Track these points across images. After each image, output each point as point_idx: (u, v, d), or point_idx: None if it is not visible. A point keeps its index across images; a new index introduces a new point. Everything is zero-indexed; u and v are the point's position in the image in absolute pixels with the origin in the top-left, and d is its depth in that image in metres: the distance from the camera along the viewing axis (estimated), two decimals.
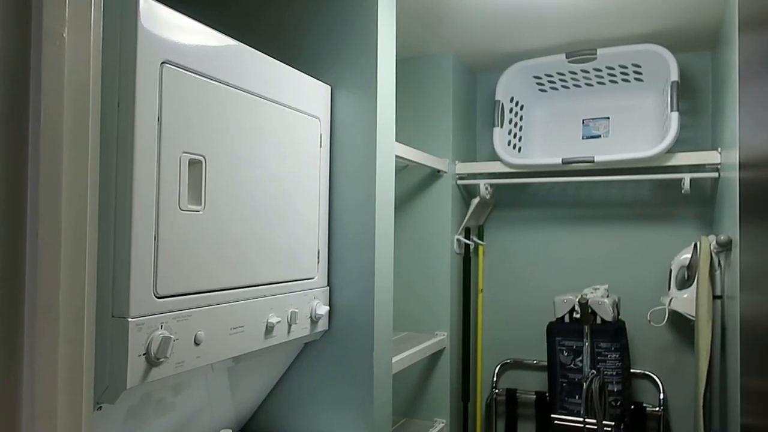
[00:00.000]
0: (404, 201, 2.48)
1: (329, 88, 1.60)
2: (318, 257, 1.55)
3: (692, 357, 2.38)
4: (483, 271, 2.70)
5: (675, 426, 2.40)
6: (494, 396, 2.63)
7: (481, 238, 2.67)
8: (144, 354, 1.00)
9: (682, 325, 2.39)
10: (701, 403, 1.93)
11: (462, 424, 2.52)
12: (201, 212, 1.14)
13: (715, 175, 2.12)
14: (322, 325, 1.56)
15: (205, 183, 1.14)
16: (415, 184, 2.48)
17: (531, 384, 2.62)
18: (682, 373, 2.39)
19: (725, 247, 1.88)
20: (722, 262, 2.02)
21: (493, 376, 2.65)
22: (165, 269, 1.05)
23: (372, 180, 1.59)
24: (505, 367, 2.67)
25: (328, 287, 1.60)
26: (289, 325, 1.42)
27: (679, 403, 2.40)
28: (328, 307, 1.55)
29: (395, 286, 2.49)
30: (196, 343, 1.12)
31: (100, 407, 1.01)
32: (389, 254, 1.67)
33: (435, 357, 2.41)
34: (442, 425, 2.37)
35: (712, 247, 1.98)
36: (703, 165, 2.13)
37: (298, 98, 1.46)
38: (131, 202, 0.99)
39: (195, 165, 1.12)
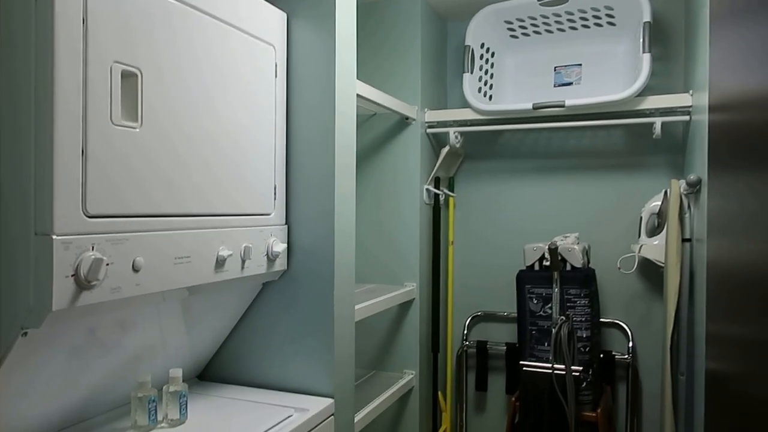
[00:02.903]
0: (372, 150, 2.41)
1: (285, 15, 1.51)
2: (275, 193, 1.48)
3: (662, 305, 2.37)
4: (453, 223, 2.65)
5: (643, 374, 2.40)
6: (465, 348, 2.61)
7: (451, 190, 2.62)
8: (73, 275, 0.93)
9: (651, 274, 2.38)
10: (668, 345, 1.93)
11: (432, 376, 2.50)
12: (138, 130, 1.06)
13: (687, 118, 2.09)
14: (280, 265, 1.50)
15: (142, 98, 1.06)
16: (383, 132, 2.40)
17: (502, 336, 2.60)
18: (651, 322, 2.39)
19: (695, 187, 1.86)
20: (692, 205, 2.00)
21: (464, 329, 2.63)
22: (96, 187, 0.98)
23: (331, 117, 1.51)
24: (476, 319, 2.65)
25: (286, 225, 1.54)
26: (243, 261, 1.35)
27: (648, 351, 2.40)
28: (285, 245, 1.49)
29: (364, 237, 2.43)
30: (135, 270, 1.05)
31: (26, 333, 0.94)
32: (350, 196, 1.60)
33: (404, 308, 2.37)
34: (411, 376, 2.35)
35: (681, 189, 1.96)
36: (675, 108, 2.09)
37: (252, 22, 1.37)
38: (52, 111, 0.91)
39: (130, 78, 1.04)
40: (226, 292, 1.46)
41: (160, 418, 1.30)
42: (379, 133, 2.41)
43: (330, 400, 1.49)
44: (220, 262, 1.27)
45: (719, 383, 1.11)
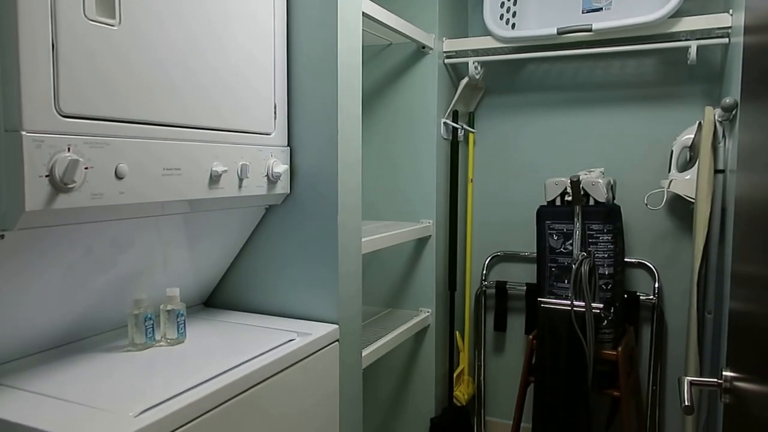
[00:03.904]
0: (388, 83, 2.32)
1: None
2: (275, 112, 1.42)
3: (690, 245, 2.26)
4: (473, 160, 2.56)
5: (668, 315, 2.31)
6: (483, 288, 2.56)
7: (471, 125, 2.52)
8: (47, 176, 0.89)
9: (680, 211, 2.26)
10: (695, 281, 1.83)
11: (449, 315, 2.46)
12: (116, 27, 0.99)
13: (725, 41, 1.93)
14: (282, 187, 1.45)
15: None
16: (398, 64, 2.30)
17: (522, 276, 2.53)
18: (678, 262, 2.28)
19: (730, 112, 1.72)
20: (726, 134, 1.86)
21: (483, 269, 2.56)
22: (69, 85, 0.92)
23: (333, 33, 1.42)
24: (495, 259, 2.58)
25: (288, 147, 1.47)
26: (240, 180, 1.30)
27: (674, 292, 2.30)
28: (286, 167, 1.43)
29: (379, 172, 2.36)
30: (118, 177, 1.00)
31: (2, 235, 0.91)
32: (356, 118, 1.53)
33: (420, 245, 2.32)
34: (427, 314, 2.31)
35: (716, 116, 1.82)
36: (712, 30, 1.93)
37: None
38: (16, 1, 0.85)
39: None
40: (228, 213, 1.42)
41: (158, 336, 1.29)
42: (394, 65, 2.30)
43: (334, 326, 1.46)
44: (214, 178, 1.22)
45: (743, 324, 1.03)
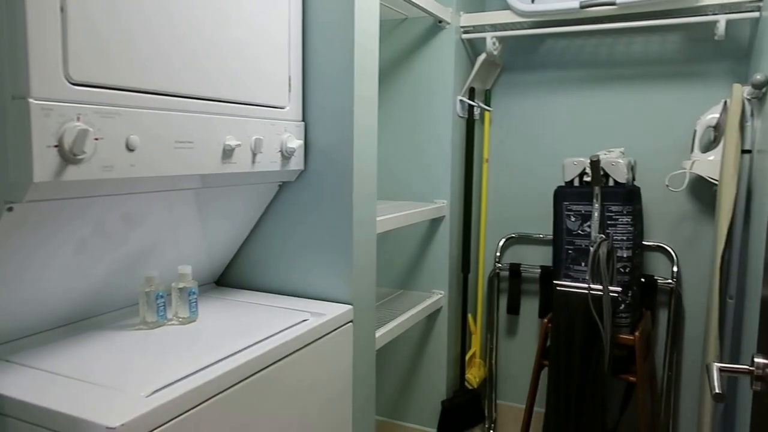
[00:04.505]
0: (403, 59, 2.25)
1: None
2: (290, 85, 1.37)
3: (711, 229, 2.21)
4: (489, 139, 2.50)
5: (687, 300, 2.27)
6: (497, 270, 2.52)
7: (488, 104, 2.46)
8: (56, 146, 0.85)
9: (702, 194, 2.20)
10: (718, 265, 1.78)
11: (462, 297, 2.42)
12: None
13: (756, 15, 1.85)
14: (296, 163, 1.41)
15: None
16: (414, 39, 2.24)
17: (537, 259, 2.49)
18: (698, 246, 2.23)
19: (761, 89, 1.65)
20: (755, 112, 1.80)
21: (497, 251, 2.52)
22: (79, 51, 0.88)
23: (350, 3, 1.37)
24: (510, 241, 2.53)
25: (303, 122, 1.43)
26: (254, 154, 1.26)
27: (693, 277, 2.25)
28: (301, 142, 1.39)
29: (393, 151, 2.31)
30: (129, 149, 0.96)
31: (11, 207, 0.87)
32: (372, 91, 1.48)
33: (434, 226, 2.28)
34: (440, 296, 2.27)
35: (745, 94, 1.75)
36: (743, 3, 1.85)
37: None
38: None
39: None
40: (241, 189, 1.38)
41: (169, 315, 1.26)
42: (410, 40, 2.24)
43: (348, 307, 1.43)
44: (227, 153, 1.18)
45: None
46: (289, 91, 1.37)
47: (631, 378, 2.03)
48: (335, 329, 1.37)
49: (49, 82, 0.84)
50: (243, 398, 1.07)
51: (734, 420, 1.87)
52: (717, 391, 0.97)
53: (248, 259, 1.57)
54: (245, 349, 1.13)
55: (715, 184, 2.01)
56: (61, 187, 0.89)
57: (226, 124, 1.18)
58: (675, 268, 2.25)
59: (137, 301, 1.34)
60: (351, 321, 1.43)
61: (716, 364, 1.06)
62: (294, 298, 1.49)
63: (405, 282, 2.36)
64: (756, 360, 1.01)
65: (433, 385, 2.35)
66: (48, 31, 0.84)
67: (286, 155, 1.36)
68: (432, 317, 2.31)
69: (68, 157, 0.87)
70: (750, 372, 1.02)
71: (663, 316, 2.30)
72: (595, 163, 1.97)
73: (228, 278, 1.60)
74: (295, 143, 1.36)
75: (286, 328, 1.26)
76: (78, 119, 0.88)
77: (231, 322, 1.29)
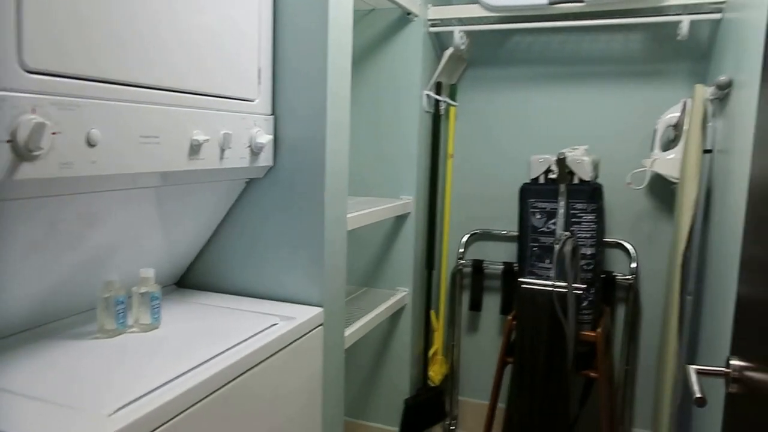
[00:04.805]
0: (369, 51, 2.20)
1: None
2: (259, 77, 1.29)
3: (668, 226, 2.26)
4: (454, 135, 2.48)
5: (643, 296, 2.32)
6: (460, 267, 2.51)
7: (453, 98, 2.43)
8: (9, 141, 0.76)
9: (661, 192, 2.25)
10: (679, 263, 1.82)
11: (426, 294, 2.40)
12: None
13: (718, 16, 1.89)
14: (265, 159, 1.34)
15: None
16: (381, 31, 2.18)
17: (500, 255, 2.49)
18: (656, 243, 2.28)
19: (724, 90, 1.69)
20: (716, 113, 1.83)
21: (460, 247, 2.51)
22: (35, 36, 0.79)
23: None
24: (473, 237, 2.52)
25: (272, 116, 1.36)
26: (222, 150, 1.18)
27: (650, 273, 2.30)
28: (271, 137, 1.32)
29: (358, 145, 2.26)
30: (90, 144, 0.88)
31: None
32: (345, 85, 1.42)
33: (399, 223, 2.24)
34: (404, 293, 2.24)
35: (708, 95, 1.79)
36: (705, 4, 1.89)
37: None
38: None
39: None
40: (206, 186, 1.30)
41: (130, 322, 1.17)
42: (376, 32, 2.19)
43: (318, 309, 1.37)
44: (194, 148, 1.10)
45: (753, 310, 1.00)
46: (259, 83, 1.29)
47: (593, 374, 2.06)
48: (306, 333, 1.31)
49: (1, 70, 0.75)
50: (212, 412, 1.00)
51: (690, 413, 1.92)
52: (698, 395, 0.97)
53: (212, 259, 1.49)
54: (214, 358, 1.06)
55: (674, 183, 2.05)
56: (14, 186, 0.80)
57: (194, 118, 1.10)
58: (633, 265, 2.29)
59: (92, 306, 1.24)
60: (321, 324, 1.38)
61: (693, 366, 1.06)
62: (262, 300, 1.43)
63: (369, 279, 2.32)
64: (732, 362, 1.02)
65: (396, 383, 2.32)
66: (1, 12, 0.75)
67: (255, 151, 1.29)
68: (396, 315, 2.28)
69: (23, 153, 0.78)
70: (726, 374, 1.03)
71: (620, 311, 2.34)
72: (561, 161, 1.98)
73: (190, 279, 1.52)
74: (265, 138, 1.29)
75: (256, 334, 1.20)
76: (33, 111, 0.79)
77: (196, 328, 1.21)
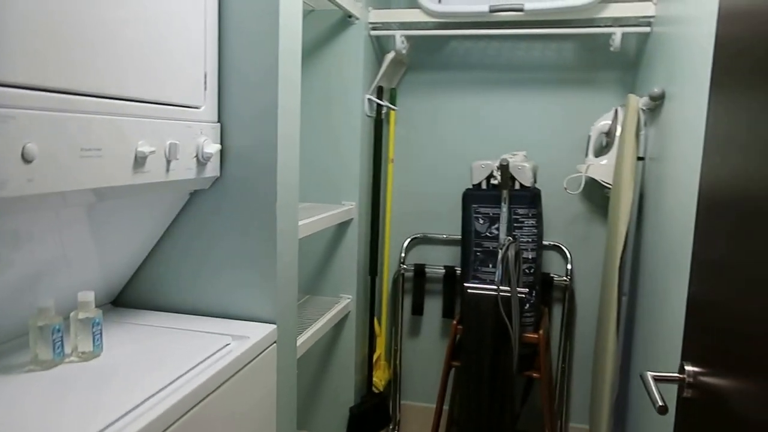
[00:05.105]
0: (309, 53, 2.14)
1: None
2: (205, 83, 1.22)
3: (601, 229, 2.35)
4: (394, 139, 2.47)
5: (578, 295, 2.40)
6: (402, 272, 2.50)
7: (393, 103, 2.42)
8: None
9: (593, 196, 2.34)
10: (617, 265, 1.89)
11: (369, 301, 2.37)
12: None
13: (647, 30, 1.98)
14: (212, 170, 1.26)
15: None
16: (321, 33, 2.13)
17: (441, 259, 2.50)
18: (589, 245, 2.37)
19: (657, 101, 1.76)
20: (648, 122, 1.92)
21: (402, 251, 2.50)
22: None
23: None
24: (414, 242, 2.52)
25: (219, 123, 1.28)
26: (168, 162, 1.10)
27: (583, 274, 2.39)
28: (219, 146, 1.25)
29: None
30: (26, 160, 0.78)
31: None
32: (295, 90, 1.36)
33: (342, 229, 2.20)
34: (348, 301, 2.20)
35: (640, 104, 1.87)
36: (636, 18, 1.97)
37: None
38: None
39: None
40: (147, 200, 1.21)
41: (68, 350, 1.07)
42: (317, 34, 2.13)
43: (272, 327, 1.31)
44: (139, 161, 1.02)
45: (701, 307, 1.05)
46: (205, 88, 1.22)
47: (535, 374, 2.11)
48: (260, 353, 1.25)
49: None
50: None
51: (627, 407, 2.01)
52: (660, 404, 1.00)
53: (153, 275, 1.39)
54: (166, 387, 0.99)
55: (607, 188, 2.14)
56: None
57: (138, 127, 1.01)
58: (569, 266, 2.37)
59: (22, 332, 1.12)
60: (275, 342, 1.32)
61: (650, 373, 1.09)
62: (210, 318, 1.35)
63: (310, 287, 2.26)
64: (687, 368, 1.06)
65: (341, 391, 2.28)
66: None
67: (202, 161, 1.21)
68: (340, 323, 2.24)
69: None
70: (681, 380, 1.06)
71: (557, 312, 2.41)
72: (504, 167, 2.01)
73: (128, 297, 1.41)
74: (213, 148, 1.21)
75: (209, 357, 1.12)
76: None
77: (143, 353, 1.12)
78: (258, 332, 1.26)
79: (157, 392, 0.96)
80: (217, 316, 1.36)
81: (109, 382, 0.98)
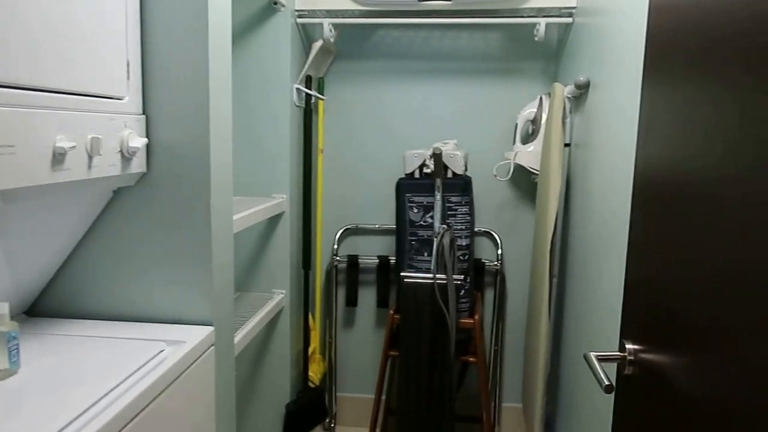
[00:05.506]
0: (235, 41, 2.04)
1: None
2: (128, 72, 1.12)
3: (529, 214, 2.41)
4: (323, 129, 2.41)
5: (509, 279, 2.46)
6: (335, 263, 2.46)
7: (321, 92, 2.36)
8: None
9: (520, 182, 2.39)
10: (548, 249, 1.94)
11: (303, 294, 2.32)
12: None
13: (569, 20, 2.04)
14: (138, 165, 1.17)
15: None
16: (245, 20, 2.04)
17: (374, 249, 2.49)
18: (517, 230, 2.43)
19: (582, 89, 1.82)
20: (573, 110, 1.98)
21: (334, 243, 2.46)
22: None
23: None
24: (347, 233, 2.49)
25: (144, 115, 1.19)
26: (90, 158, 1.01)
27: (512, 258, 2.45)
28: (145, 139, 1.16)
29: None
30: None
31: None
32: (227, 74, 1.29)
33: (273, 222, 2.13)
34: (281, 296, 2.15)
35: (566, 93, 1.92)
36: (559, 9, 2.02)
37: None
38: None
39: None
40: (65, 199, 1.11)
41: None
42: (241, 20, 2.04)
43: (210, 329, 1.24)
44: (58, 157, 0.92)
45: (638, 286, 1.10)
46: (128, 78, 1.12)
47: (471, 359, 2.15)
48: (198, 357, 1.18)
49: None
50: None
51: (558, 385, 2.08)
52: (606, 383, 1.03)
53: (73, 281, 1.28)
54: (93, 406, 0.90)
55: (534, 174, 2.20)
56: None
57: (57, 121, 0.92)
58: (500, 251, 2.42)
59: None
60: (213, 345, 1.25)
61: (593, 353, 1.13)
62: (141, 324, 1.26)
63: (241, 283, 2.18)
64: (627, 346, 1.10)
65: (277, 389, 2.23)
66: None
67: (127, 156, 1.12)
68: (274, 319, 2.17)
69: None
70: (623, 358, 1.11)
71: (489, 295, 2.47)
72: (437, 156, 2.01)
73: (44, 306, 1.29)
74: (139, 142, 1.13)
75: (141, 366, 1.05)
76: None
77: (65, 367, 1.03)
78: (194, 335, 1.20)
79: (84, 412, 0.88)
80: (148, 321, 1.27)
81: (29, 403, 0.89)
